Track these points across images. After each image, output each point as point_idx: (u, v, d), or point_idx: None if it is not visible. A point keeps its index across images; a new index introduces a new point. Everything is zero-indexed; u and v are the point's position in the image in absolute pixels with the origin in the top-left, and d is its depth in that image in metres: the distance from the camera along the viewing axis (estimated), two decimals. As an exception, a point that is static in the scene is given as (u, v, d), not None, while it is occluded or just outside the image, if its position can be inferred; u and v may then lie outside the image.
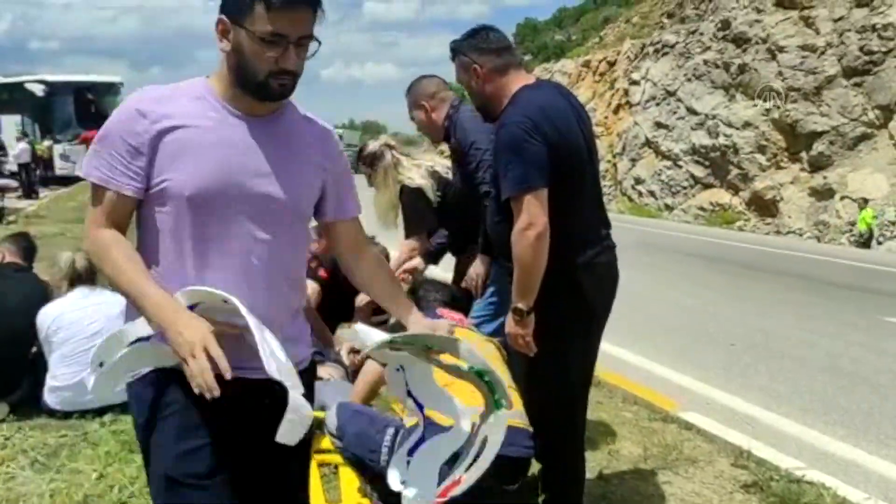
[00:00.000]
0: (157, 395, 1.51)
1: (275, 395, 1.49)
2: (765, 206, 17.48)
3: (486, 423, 1.70)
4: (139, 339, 1.46)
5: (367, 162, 3.86)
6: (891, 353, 5.67)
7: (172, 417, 1.50)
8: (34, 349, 3.82)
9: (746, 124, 17.97)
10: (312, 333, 1.99)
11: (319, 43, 1.54)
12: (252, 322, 1.42)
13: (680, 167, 20.52)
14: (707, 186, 19.58)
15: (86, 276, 3.80)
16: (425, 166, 3.80)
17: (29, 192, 17.68)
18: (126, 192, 1.50)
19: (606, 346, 3.13)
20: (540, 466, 2.60)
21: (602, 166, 20.80)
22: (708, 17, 20.73)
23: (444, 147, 3.74)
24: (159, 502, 1.54)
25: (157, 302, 1.43)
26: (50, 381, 3.65)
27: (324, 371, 3.61)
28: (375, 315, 4.36)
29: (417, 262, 3.73)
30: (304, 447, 1.73)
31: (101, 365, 1.45)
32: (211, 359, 1.36)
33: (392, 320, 4.40)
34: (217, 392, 1.34)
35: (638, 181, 22.47)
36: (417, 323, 1.74)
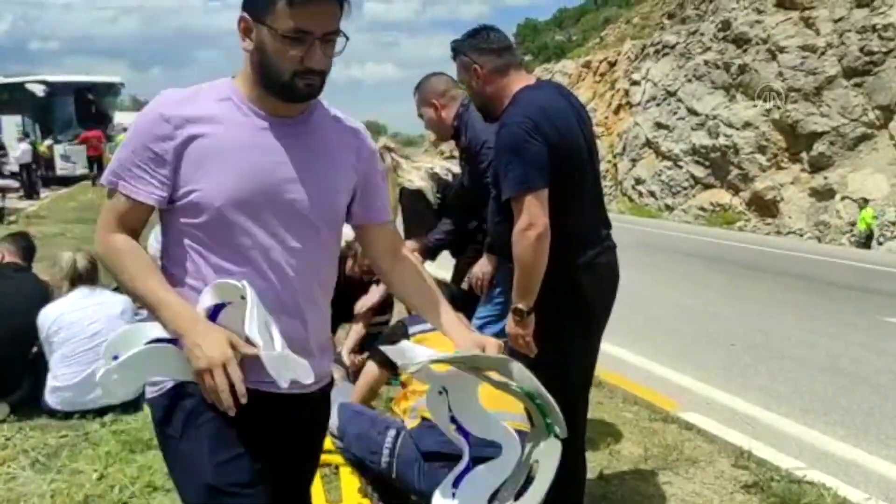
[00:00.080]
0: (188, 405, 1.46)
1: (303, 407, 1.53)
2: (765, 207, 17.48)
3: (538, 448, 1.58)
4: (159, 340, 1.41)
5: None
6: (891, 354, 5.67)
7: (207, 426, 1.44)
8: (35, 349, 3.83)
9: (747, 125, 17.98)
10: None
11: (347, 38, 1.45)
12: (255, 305, 1.38)
13: (680, 167, 20.52)
14: (707, 187, 19.59)
15: (86, 276, 3.80)
16: (425, 168, 3.80)
17: (30, 193, 17.68)
18: (149, 201, 1.44)
19: (607, 347, 3.13)
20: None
21: (602, 166, 20.79)
22: (708, 18, 20.74)
23: (444, 147, 3.75)
24: None
25: (175, 310, 1.38)
26: (51, 382, 3.65)
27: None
28: (376, 315, 4.36)
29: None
30: (318, 450, 1.74)
31: (115, 358, 1.38)
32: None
33: (392, 320, 4.41)
34: (233, 412, 1.34)
35: (638, 181, 22.47)
36: (463, 337, 1.61)
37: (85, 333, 3.65)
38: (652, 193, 21.70)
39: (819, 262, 11.43)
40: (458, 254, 3.71)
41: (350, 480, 2.93)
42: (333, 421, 3.03)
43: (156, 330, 1.41)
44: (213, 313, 1.41)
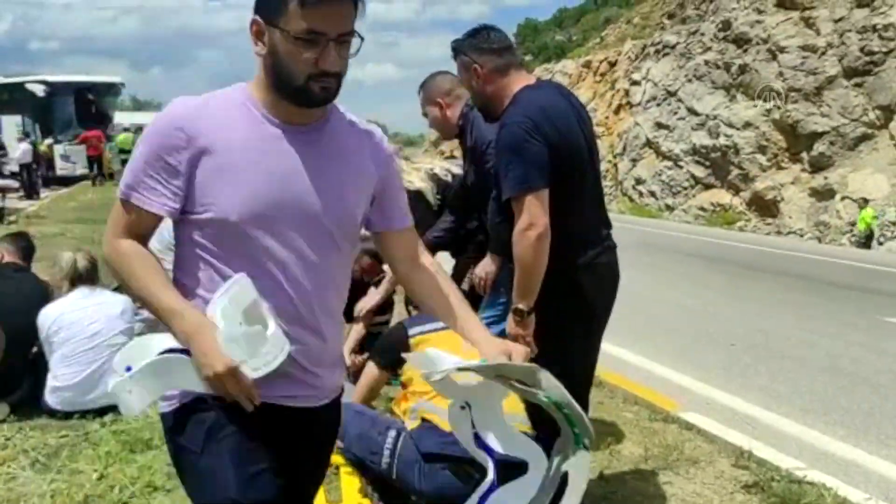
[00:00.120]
0: (207, 419, 1.42)
1: (318, 420, 1.54)
2: (765, 207, 17.47)
3: (567, 460, 1.51)
4: (171, 351, 1.37)
5: None
6: (891, 354, 5.67)
7: (228, 441, 1.41)
8: (34, 349, 3.83)
9: (747, 125, 17.97)
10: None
11: (362, 39, 1.41)
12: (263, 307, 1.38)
13: (680, 167, 20.51)
14: (708, 187, 19.57)
15: (87, 276, 3.81)
16: (424, 169, 3.80)
17: (30, 193, 17.68)
18: (162, 213, 1.42)
19: (607, 347, 3.13)
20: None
21: (603, 166, 20.76)
22: (709, 18, 20.73)
23: (444, 147, 3.75)
24: None
25: (184, 318, 1.36)
26: (51, 382, 3.65)
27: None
28: (377, 315, 4.36)
29: None
30: (328, 461, 1.75)
31: (127, 370, 1.34)
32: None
33: (392, 320, 4.41)
34: (251, 408, 1.36)
35: (638, 181, 22.46)
36: (488, 343, 1.55)
37: (85, 333, 3.65)
38: (652, 193, 21.70)
39: (819, 262, 11.43)
40: (459, 254, 3.71)
41: (350, 481, 2.93)
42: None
43: (167, 340, 1.38)
44: None
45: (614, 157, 24.16)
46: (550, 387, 1.46)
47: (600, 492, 3.01)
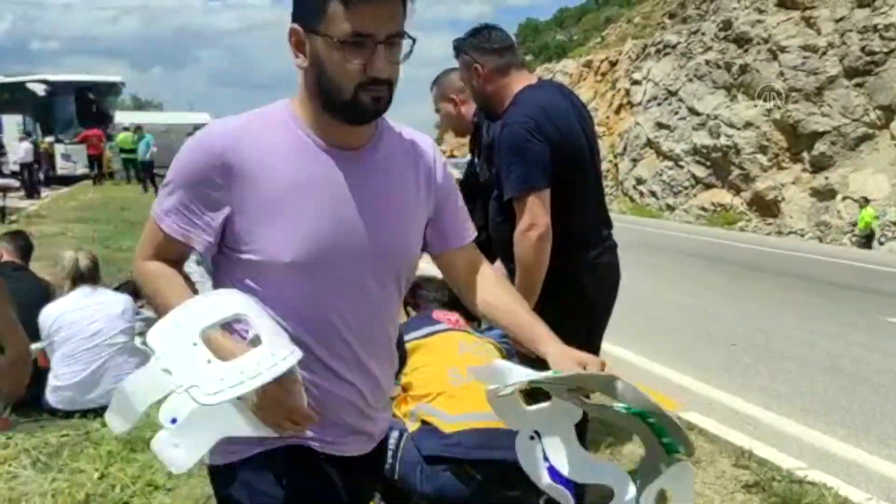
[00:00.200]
0: (262, 480, 1.29)
1: (368, 463, 1.43)
2: (766, 207, 17.48)
3: (660, 477, 1.31)
4: None
5: None
6: (892, 354, 5.67)
7: (279, 493, 1.29)
8: (35, 348, 3.83)
9: (748, 124, 17.97)
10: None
11: (413, 40, 1.26)
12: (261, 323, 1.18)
13: (681, 167, 20.52)
14: (708, 187, 19.58)
15: (88, 275, 3.81)
16: None
17: (31, 192, 17.69)
18: (198, 247, 1.29)
19: (607, 347, 3.13)
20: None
21: (603, 166, 20.72)
22: (709, 18, 20.73)
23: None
24: None
25: (219, 340, 1.18)
26: (52, 381, 3.65)
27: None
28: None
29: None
30: (371, 493, 1.60)
31: (172, 422, 1.13)
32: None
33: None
34: (304, 429, 1.24)
35: (639, 181, 22.47)
36: (560, 353, 1.39)
37: (85, 333, 3.65)
38: (653, 193, 21.70)
39: (820, 262, 11.43)
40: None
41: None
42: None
43: None
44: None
45: (615, 156, 24.17)
46: (627, 395, 1.29)
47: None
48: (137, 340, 4.11)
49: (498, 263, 2.46)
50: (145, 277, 1.33)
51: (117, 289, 4.55)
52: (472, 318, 3.24)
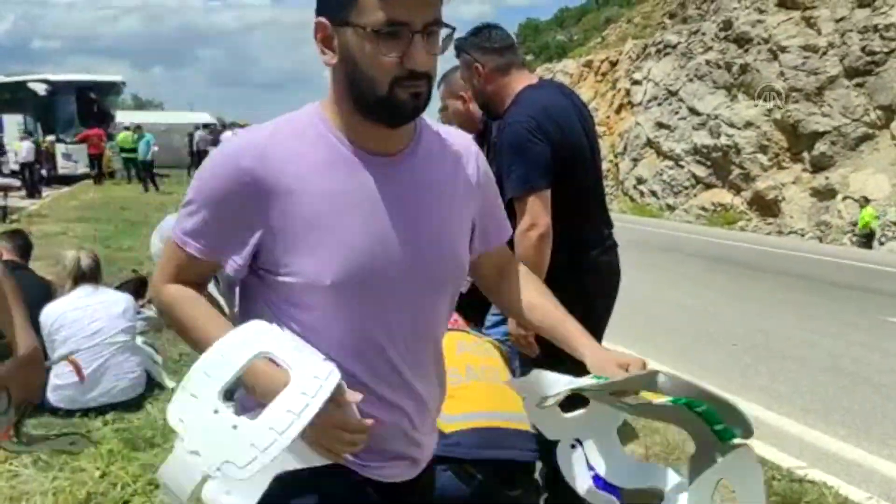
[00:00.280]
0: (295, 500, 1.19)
1: (417, 488, 1.33)
2: (766, 207, 17.48)
3: (714, 467, 1.23)
4: None
5: None
6: (892, 353, 5.67)
7: None
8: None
9: (748, 124, 17.98)
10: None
11: (453, 29, 1.15)
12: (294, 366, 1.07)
13: (682, 167, 20.52)
14: (709, 186, 19.58)
15: (90, 274, 3.82)
16: None
17: (32, 192, 17.70)
18: (229, 269, 1.18)
19: (608, 346, 3.12)
20: (541, 467, 2.61)
21: (604, 166, 20.74)
22: (710, 18, 20.73)
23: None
24: None
25: (270, 379, 1.08)
26: (53, 380, 3.65)
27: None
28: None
29: None
30: None
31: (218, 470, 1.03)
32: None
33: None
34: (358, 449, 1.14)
35: (640, 181, 22.47)
36: (600, 356, 1.31)
37: (86, 332, 3.66)
38: (653, 193, 21.70)
39: (820, 261, 11.43)
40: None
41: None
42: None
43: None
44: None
45: (615, 156, 24.17)
46: (675, 387, 1.21)
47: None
48: (139, 339, 4.12)
49: None
50: (167, 302, 1.23)
51: (118, 288, 4.56)
52: (471, 319, 3.26)
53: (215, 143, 20.64)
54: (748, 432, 1.20)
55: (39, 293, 3.92)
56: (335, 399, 1.06)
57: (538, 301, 1.43)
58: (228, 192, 1.14)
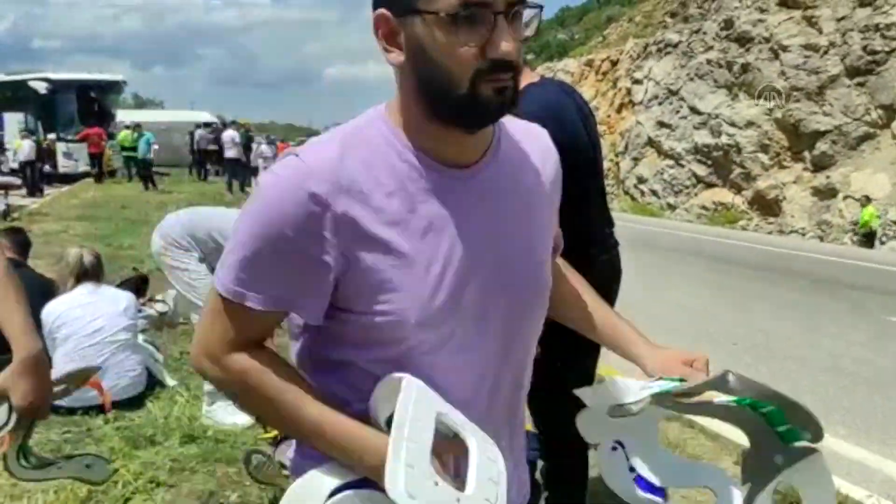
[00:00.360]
0: None
1: None
2: (767, 206, 17.48)
3: (783, 471, 1.18)
4: (347, 486, 0.99)
5: None
6: (893, 353, 5.67)
7: None
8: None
9: (749, 123, 17.99)
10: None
11: (541, 8, 0.95)
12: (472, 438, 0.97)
13: (682, 166, 20.53)
14: (709, 186, 19.60)
15: (92, 271, 3.82)
16: None
17: (33, 191, 17.71)
18: (309, 318, 0.99)
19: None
20: (541, 466, 2.61)
21: (605, 165, 20.77)
22: (711, 17, 20.73)
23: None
24: None
25: (362, 441, 0.96)
26: (54, 378, 3.66)
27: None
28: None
29: None
30: None
31: None
32: None
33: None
34: None
35: (640, 180, 22.48)
36: (654, 357, 1.20)
37: (87, 330, 3.66)
38: (654, 192, 21.71)
39: (821, 261, 11.43)
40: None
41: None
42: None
43: (334, 473, 0.99)
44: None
45: (616, 155, 24.18)
46: (742, 386, 1.11)
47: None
48: (140, 337, 4.12)
49: None
50: (240, 378, 1.00)
51: (120, 286, 4.57)
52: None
53: (216, 141, 20.65)
54: (818, 436, 1.13)
55: (39, 290, 3.92)
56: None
57: (586, 304, 1.32)
58: (297, 226, 0.92)
